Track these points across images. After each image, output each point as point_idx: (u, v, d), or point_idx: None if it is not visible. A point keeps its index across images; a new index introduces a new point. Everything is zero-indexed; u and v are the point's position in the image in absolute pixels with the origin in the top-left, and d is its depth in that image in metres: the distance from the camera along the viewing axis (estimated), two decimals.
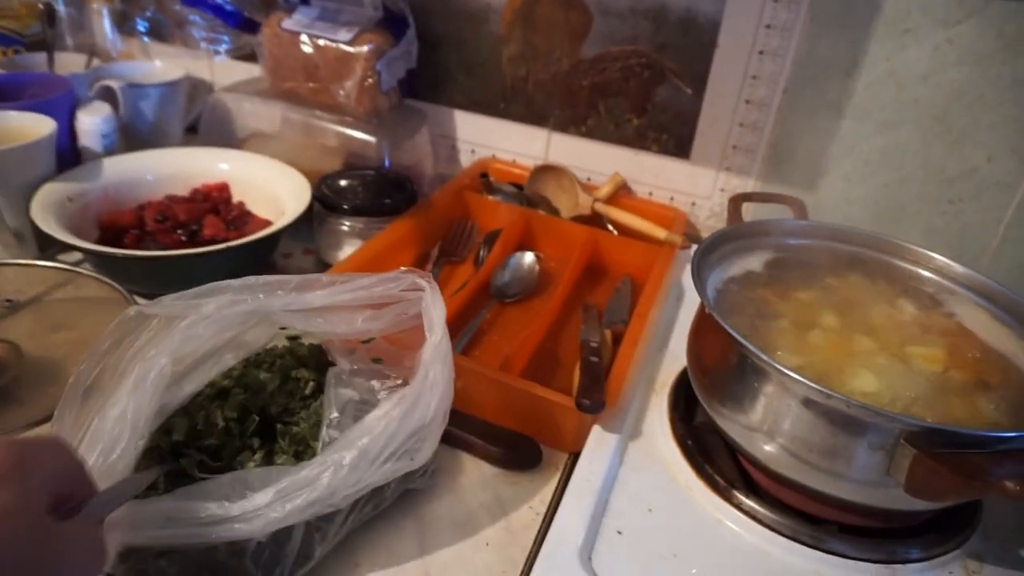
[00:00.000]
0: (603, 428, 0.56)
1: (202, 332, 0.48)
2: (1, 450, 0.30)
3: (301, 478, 0.41)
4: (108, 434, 0.41)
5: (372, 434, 0.43)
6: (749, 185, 0.87)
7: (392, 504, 0.51)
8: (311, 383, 0.53)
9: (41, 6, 0.91)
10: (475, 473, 0.56)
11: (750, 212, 0.68)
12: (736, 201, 0.64)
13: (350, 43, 0.81)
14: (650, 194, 0.92)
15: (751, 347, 0.46)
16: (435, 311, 0.48)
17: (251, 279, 0.48)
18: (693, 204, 0.91)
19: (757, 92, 0.81)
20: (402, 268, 0.49)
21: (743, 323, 0.52)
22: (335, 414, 0.48)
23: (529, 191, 0.91)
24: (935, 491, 0.41)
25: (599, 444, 0.55)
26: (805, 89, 0.79)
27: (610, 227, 0.88)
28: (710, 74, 0.82)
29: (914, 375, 0.49)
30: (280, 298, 0.48)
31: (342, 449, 0.42)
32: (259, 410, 0.50)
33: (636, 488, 0.53)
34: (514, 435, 0.57)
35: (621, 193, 0.91)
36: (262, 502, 0.40)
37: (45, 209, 0.70)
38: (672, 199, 0.91)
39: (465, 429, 0.57)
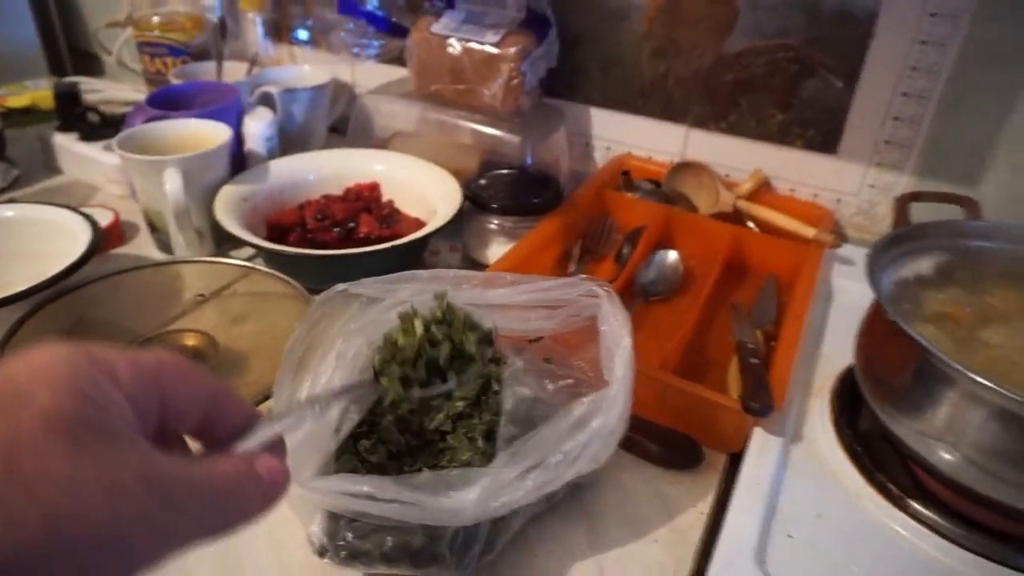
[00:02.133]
0: (766, 431, 0.56)
1: (395, 317, 0.51)
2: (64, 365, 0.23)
3: (507, 478, 0.43)
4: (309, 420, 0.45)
5: (574, 439, 0.45)
6: (902, 181, 0.83)
7: (564, 498, 0.53)
8: (487, 380, 0.55)
9: (215, 19, 0.98)
10: (637, 471, 0.57)
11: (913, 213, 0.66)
12: (903, 201, 0.63)
13: (497, 45, 0.83)
14: (792, 191, 0.90)
15: (938, 352, 0.45)
16: (616, 320, 0.49)
17: (440, 271, 0.51)
18: (838, 201, 0.88)
19: (916, 84, 0.78)
20: (581, 276, 0.51)
21: (919, 327, 0.51)
22: (512, 409, 0.50)
23: (667, 188, 0.91)
24: None
25: (763, 447, 0.55)
26: (971, 78, 0.75)
27: (751, 225, 0.87)
28: (864, 66, 0.79)
29: None
30: (466, 291, 0.51)
31: (543, 450, 0.44)
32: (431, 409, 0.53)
33: (803, 493, 0.53)
34: (674, 433, 0.58)
35: (762, 190, 0.90)
36: (467, 499, 0.43)
37: (226, 210, 0.76)
38: (816, 196, 0.89)
39: (631, 428, 0.58)
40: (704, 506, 0.54)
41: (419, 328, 0.51)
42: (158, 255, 0.82)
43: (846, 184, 0.87)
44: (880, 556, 0.48)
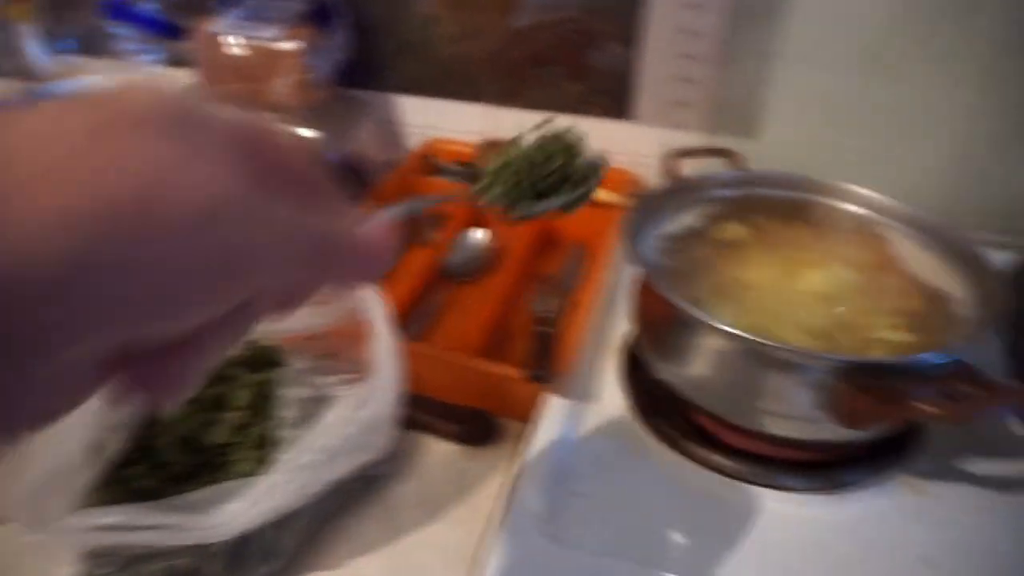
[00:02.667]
0: (557, 395, 0.57)
1: None
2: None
3: (270, 483, 0.42)
4: (51, 454, 0.42)
5: (333, 434, 0.44)
6: (694, 139, 0.87)
7: (358, 492, 0.52)
8: (264, 385, 0.54)
9: None
10: (436, 453, 0.57)
11: (691, 168, 0.68)
12: (669, 159, 0.65)
13: (279, 39, 0.81)
14: None
15: (683, 304, 0.47)
16: (376, 308, 0.49)
17: None
18: (640, 165, 0.91)
19: (694, 46, 0.81)
20: None
21: (679, 279, 0.53)
22: (290, 413, 0.49)
23: (477, 168, 0.91)
24: (864, 420, 0.42)
25: (553, 411, 0.56)
26: (741, 37, 0.79)
27: None
28: (645, 33, 0.82)
29: (841, 309, 0.51)
30: None
31: (302, 453, 0.43)
32: (211, 423, 0.51)
33: (593, 450, 0.54)
34: (469, 411, 0.58)
35: None
36: (230, 512, 0.41)
37: None
38: (619, 162, 0.92)
39: (423, 411, 0.58)
40: (502, 478, 0.55)
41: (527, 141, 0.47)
42: None
43: (644, 147, 0.89)
44: (661, 499, 0.50)
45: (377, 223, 0.26)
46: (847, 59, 0.77)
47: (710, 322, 0.46)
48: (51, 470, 0.43)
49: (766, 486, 0.51)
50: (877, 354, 0.47)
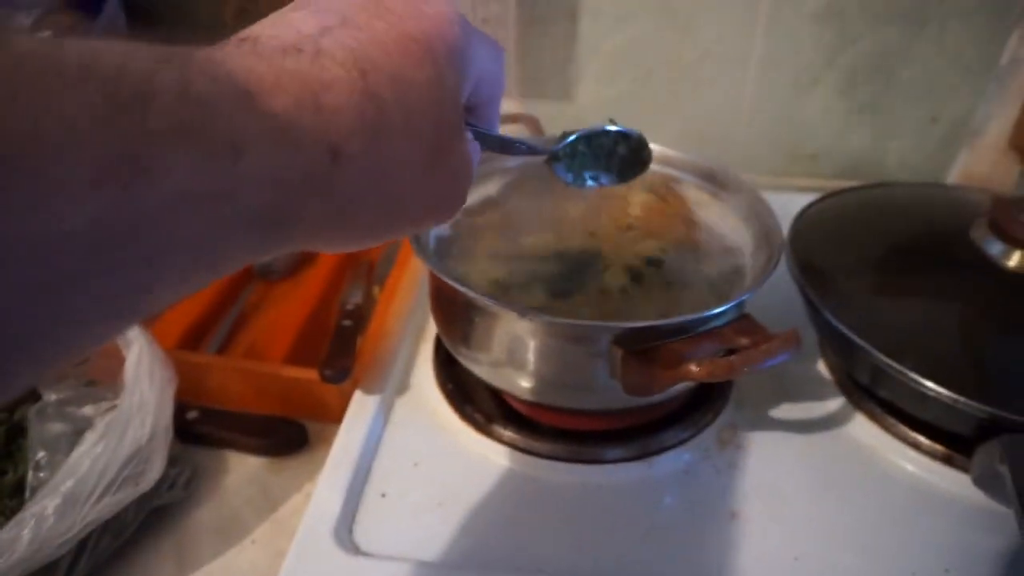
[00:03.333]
0: (364, 391, 0.54)
1: None
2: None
3: (9, 540, 0.37)
4: None
5: (77, 474, 0.39)
6: (510, 106, 0.85)
7: (141, 527, 0.48)
8: (16, 423, 0.48)
9: None
10: (240, 470, 0.53)
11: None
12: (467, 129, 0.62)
13: (32, 28, 0.72)
14: None
15: (454, 283, 0.44)
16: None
17: None
18: None
19: (490, 9, 0.78)
20: None
21: (465, 254, 0.51)
22: (42, 454, 0.44)
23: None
24: (643, 386, 0.41)
25: (360, 409, 0.53)
26: None
27: None
28: None
29: (624, 267, 0.50)
30: None
31: (44, 498, 0.39)
32: None
33: (402, 445, 0.52)
34: (275, 420, 0.54)
35: None
36: None
37: None
38: None
39: (223, 426, 0.54)
40: (311, 487, 0.52)
41: None
42: None
43: None
44: (470, 487, 0.48)
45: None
46: (644, 12, 0.77)
47: (479, 300, 0.43)
48: None
49: (583, 461, 0.50)
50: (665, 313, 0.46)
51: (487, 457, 0.51)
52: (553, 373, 0.46)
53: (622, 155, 0.45)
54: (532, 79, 0.83)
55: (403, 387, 0.56)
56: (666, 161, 0.57)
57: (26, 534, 0.37)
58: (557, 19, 0.78)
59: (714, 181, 0.57)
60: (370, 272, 0.69)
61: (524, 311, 0.42)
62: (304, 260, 0.74)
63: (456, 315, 0.49)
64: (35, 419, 0.45)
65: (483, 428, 0.52)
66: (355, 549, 0.44)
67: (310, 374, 0.52)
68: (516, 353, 0.46)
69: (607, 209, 0.55)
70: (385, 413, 0.54)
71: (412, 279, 0.65)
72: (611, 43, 0.80)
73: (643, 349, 0.41)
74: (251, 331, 0.65)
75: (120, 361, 0.50)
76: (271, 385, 0.55)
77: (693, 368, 0.39)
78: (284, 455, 0.54)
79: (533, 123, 0.64)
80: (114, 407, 0.47)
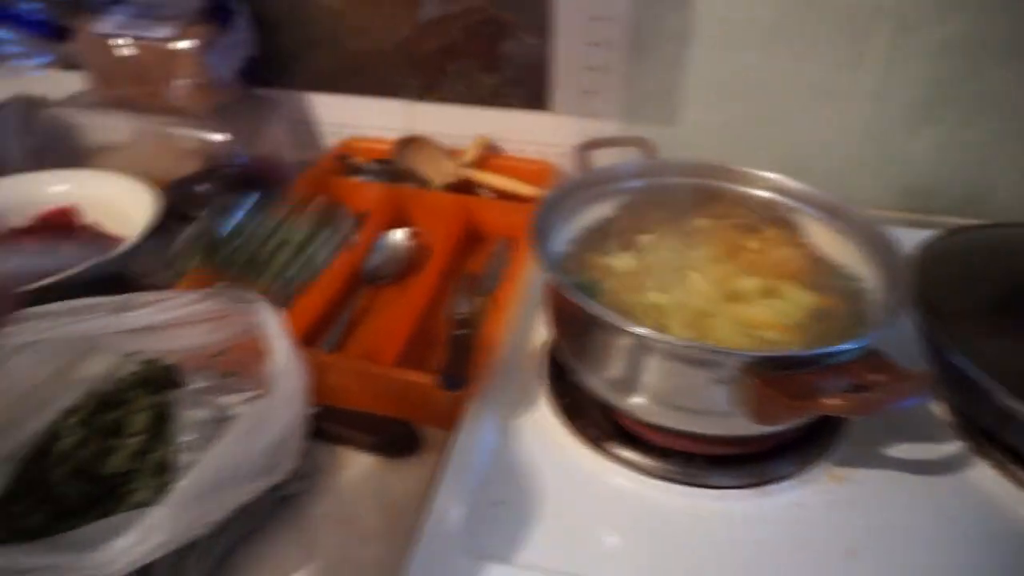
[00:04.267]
0: (478, 400, 0.56)
1: (23, 363, 0.45)
2: None
3: (161, 515, 0.39)
4: None
5: (227, 458, 0.41)
6: (611, 128, 0.86)
7: (271, 514, 0.50)
8: (162, 407, 0.51)
9: None
10: (357, 467, 0.55)
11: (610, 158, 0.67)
12: (581, 150, 0.64)
13: (172, 39, 0.76)
14: (521, 151, 0.91)
15: (582, 300, 0.45)
16: (272, 324, 0.46)
17: (55, 305, 0.46)
18: (563, 155, 0.90)
19: (602, 33, 0.80)
20: (222, 284, 0.47)
21: (587, 275, 0.52)
22: (186, 437, 0.46)
23: (398, 165, 0.88)
24: (773, 415, 0.42)
25: (475, 417, 0.55)
26: (649, 23, 0.79)
27: (484, 191, 0.87)
28: (553, 21, 0.80)
29: (752, 299, 0.50)
30: (99, 319, 0.46)
31: (200, 477, 0.41)
32: (109, 451, 0.48)
33: (516, 456, 0.53)
34: (389, 421, 0.56)
35: (490, 154, 0.90)
36: (119, 549, 0.38)
37: None
38: (541, 153, 0.90)
39: (342, 423, 0.56)
40: (425, 489, 0.53)
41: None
42: None
43: (563, 138, 0.88)
44: (587, 504, 0.49)
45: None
46: (755, 39, 0.77)
47: (608, 318, 0.45)
48: None
49: (693, 484, 0.50)
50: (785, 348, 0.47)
51: (599, 474, 0.51)
52: (673, 395, 0.47)
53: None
54: (638, 103, 0.84)
55: (514, 399, 0.58)
56: (784, 191, 0.58)
57: (186, 509, 0.39)
58: (667, 45, 0.79)
59: (832, 212, 0.57)
60: (474, 284, 0.71)
61: (658, 333, 0.43)
62: (410, 267, 0.76)
63: (577, 331, 0.50)
64: (180, 404, 0.48)
65: (596, 445, 0.53)
66: (476, 553, 0.46)
67: (428, 379, 0.54)
68: (637, 373, 0.47)
69: (724, 237, 0.56)
70: (498, 423, 0.55)
71: (520, 293, 0.66)
72: (720, 71, 0.80)
73: (773, 378, 0.42)
74: (361, 334, 0.68)
75: (254, 356, 0.53)
76: (387, 387, 0.57)
77: (830, 401, 0.39)
78: (398, 456, 0.56)
79: (650, 146, 0.65)
80: (251, 397, 0.50)
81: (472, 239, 0.81)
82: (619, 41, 0.80)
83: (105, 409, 0.51)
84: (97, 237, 0.79)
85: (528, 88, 0.86)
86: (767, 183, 0.59)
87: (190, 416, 0.48)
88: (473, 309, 0.65)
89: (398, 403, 0.57)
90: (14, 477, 0.47)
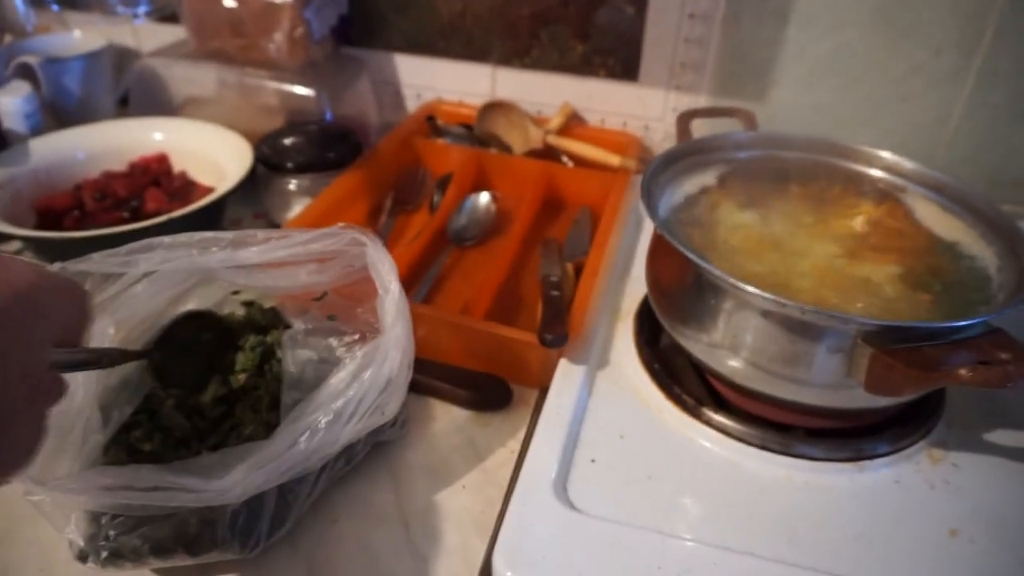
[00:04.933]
0: (570, 361, 0.56)
1: (141, 291, 0.47)
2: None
3: (277, 446, 0.40)
4: (59, 414, 0.41)
5: (345, 395, 0.42)
6: (700, 102, 0.85)
7: (365, 458, 0.51)
8: (268, 347, 0.52)
9: None
10: (446, 418, 0.56)
11: (701, 129, 0.66)
12: (684, 119, 0.63)
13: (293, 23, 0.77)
14: (603, 121, 0.91)
15: (702, 263, 0.45)
16: (383, 266, 0.46)
17: (183, 236, 0.47)
18: (647, 128, 0.89)
19: (700, 5, 0.79)
20: (340, 224, 0.48)
21: (697, 240, 0.52)
22: (295, 375, 0.47)
23: (479, 130, 0.88)
24: (894, 386, 0.41)
25: (567, 377, 0.55)
26: None
27: (565, 159, 0.86)
28: None
29: (866, 273, 0.50)
30: (215, 254, 0.47)
31: (315, 412, 0.42)
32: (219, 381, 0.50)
33: (607, 416, 0.53)
34: (482, 376, 0.57)
35: (573, 123, 0.90)
36: (237, 476, 0.39)
37: None
38: (625, 124, 0.90)
39: (433, 376, 0.57)
40: (515, 444, 0.54)
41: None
42: None
43: (651, 110, 0.88)
44: (679, 467, 0.49)
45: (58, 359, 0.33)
46: (858, 16, 0.75)
47: (730, 280, 0.44)
48: (58, 429, 0.41)
49: (788, 454, 0.49)
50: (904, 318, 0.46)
51: (693, 439, 0.51)
52: (781, 362, 0.46)
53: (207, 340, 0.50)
54: (728, 79, 0.83)
55: (603, 361, 0.58)
56: (897, 170, 0.56)
57: (303, 442, 0.40)
58: (767, 20, 0.78)
59: (946, 194, 0.55)
60: (560, 250, 0.71)
61: (781, 296, 0.42)
62: (493, 230, 0.76)
63: (684, 292, 0.50)
64: (288, 343, 0.49)
65: (692, 410, 0.52)
66: (571, 505, 0.46)
67: (525, 335, 0.55)
68: (745, 337, 0.47)
69: (834, 211, 0.55)
70: (589, 384, 0.55)
71: (608, 260, 0.66)
72: (817, 49, 0.78)
73: (893, 350, 0.41)
74: (448, 292, 0.68)
75: (355, 300, 0.54)
76: (480, 342, 0.57)
77: (963, 372, 0.38)
78: (490, 410, 0.56)
79: (750, 118, 0.64)
80: (352, 341, 0.51)
81: (551, 206, 0.81)
82: (717, 14, 0.79)
83: (211, 347, 0.52)
84: (188, 185, 0.80)
85: (618, 58, 0.85)
86: (880, 162, 0.57)
87: (295, 356, 0.49)
88: (560, 272, 0.64)
89: (489, 359, 0.58)
90: (134, 406, 0.48)
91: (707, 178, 0.59)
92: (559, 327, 0.54)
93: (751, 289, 0.43)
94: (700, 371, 0.55)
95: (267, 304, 0.56)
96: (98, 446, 0.45)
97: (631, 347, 0.59)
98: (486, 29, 0.87)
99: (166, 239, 0.46)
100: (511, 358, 0.57)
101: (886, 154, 0.57)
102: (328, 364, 0.48)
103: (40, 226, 0.73)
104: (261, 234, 0.48)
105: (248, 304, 0.56)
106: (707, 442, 0.51)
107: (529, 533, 0.44)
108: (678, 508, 0.47)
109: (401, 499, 0.50)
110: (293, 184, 0.75)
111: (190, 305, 0.51)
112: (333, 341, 0.51)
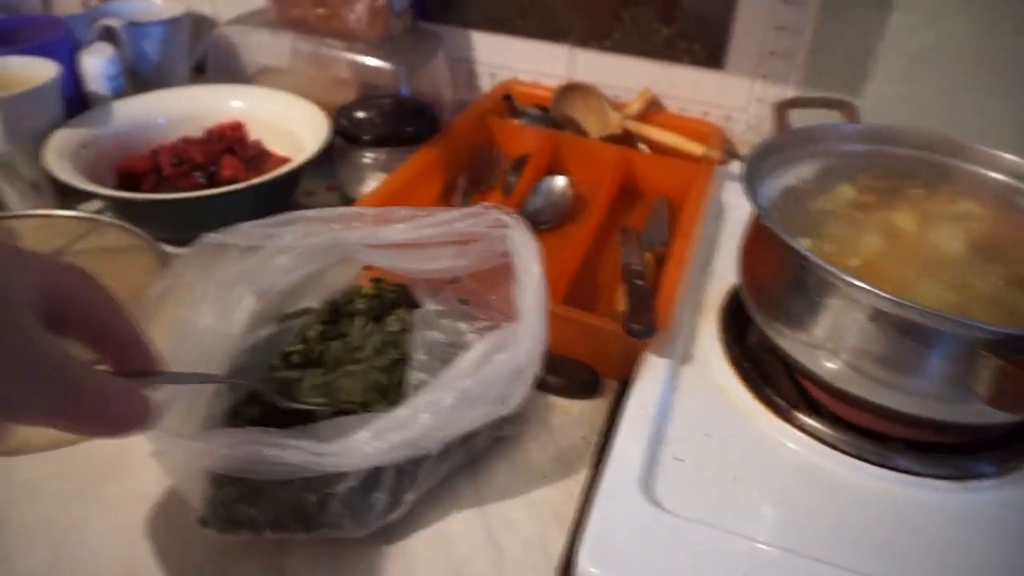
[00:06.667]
0: (654, 353, 0.54)
1: (282, 264, 0.46)
2: None
3: (399, 417, 0.40)
4: (190, 360, 0.41)
5: (473, 376, 0.41)
6: (788, 92, 0.82)
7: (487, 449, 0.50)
8: (396, 325, 0.51)
9: None
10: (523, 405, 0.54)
11: (795, 120, 0.63)
12: (782, 108, 0.60)
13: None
14: (682, 109, 0.88)
15: (815, 258, 0.43)
16: (525, 249, 0.45)
17: (327, 211, 0.46)
18: (728, 118, 0.86)
19: None
20: (485, 204, 0.47)
21: (796, 232, 0.49)
22: (422, 356, 0.46)
23: (555, 113, 0.86)
24: (1015, 400, 0.38)
25: (651, 370, 0.53)
26: None
27: (641, 146, 0.84)
28: None
29: (984, 280, 0.46)
30: (357, 231, 0.46)
31: (441, 390, 0.40)
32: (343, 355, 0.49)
33: (692, 414, 0.51)
34: (570, 362, 0.55)
35: (652, 110, 0.87)
36: (358, 440, 0.39)
37: (60, 157, 0.67)
38: (706, 113, 0.87)
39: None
40: (592, 435, 0.52)
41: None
42: None
43: (734, 100, 0.84)
44: (767, 471, 0.47)
45: (134, 387, 0.31)
46: (967, 9, 0.71)
47: (843, 276, 0.42)
48: (190, 385, 0.41)
49: (887, 467, 0.47)
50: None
51: (783, 442, 0.49)
52: (890, 367, 0.44)
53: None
54: (820, 69, 0.79)
55: (687, 357, 0.56)
56: (1020, 174, 0.53)
57: (425, 417, 0.39)
58: (867, 7, 0.74)
59: None
60: (639, 239, 0.69)
61: (909, 302, 0.40)
62: (569, 215, 0.75)
63: (785, 287, 0.48)
64: (419, 324, 0.48)
65: (783, 413, 0.50)
66: (657, 504, 0.44)
67: (609, 324, 0.53)
68: (850, 338, 0.45)
69: (948, 212, 0.52)
70: (673, 379, 0.53)
71: (691, 252, 0.64)
72: (919, 40, 0.74)
73: (1021, 360, 0.38)
74: None
75: (488, 287, 0.52)
76: (559, 329, 0.55)
77: None
78: (580, 397, 0.55)
79: (851, 111, 0.61)
80: (484, 327, 0.49)
81: (626, 192, 0.79)
82: (814, 0, 0.75)
83: (339, 320, 0.52)
84: (262, 154, 0.80)
85: (704, 44, 0.82)
86: (1002, 164, 0.54)
87: (424, 336, 0.47)
88: (641, 261, 0.62)
89: (574, 346, 0.56)
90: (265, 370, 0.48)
91: (806, 171, 0.56)
92: (647, 317, 0.52)
93: (867, 287, 0.40)
94: (791, 372, 0.53)
95: (395, 283, 0.55)
96: (223, 412, 0.46)
97: (716, 343, 0.56)
98: (567, 7, 0.85)
99: (309, 212, 0.46)
100: (593, 347, 0.55)
101: (1010, 156, 0.54)
102: (455, 348, 0.46)
103: (119, 187, 0.73)
104: (404, 211, 0.47)
105: (377, 280, 0.55)
106: (798, 447, 0.49)
107: (615, 530, 0.43)
108: (766, 514, 0.45)
109: (479, 486, 0.48)
110: (369, 157, 0.74)
111: (325, 281, 0.51)
112: (463, 325, 0.49)
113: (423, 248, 0.48)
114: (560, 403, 0.54)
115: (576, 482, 0.49)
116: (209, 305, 0.43)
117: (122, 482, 0.47)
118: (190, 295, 0.44)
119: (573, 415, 0.54)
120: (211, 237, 0.45)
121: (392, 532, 0.44)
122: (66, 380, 0.28)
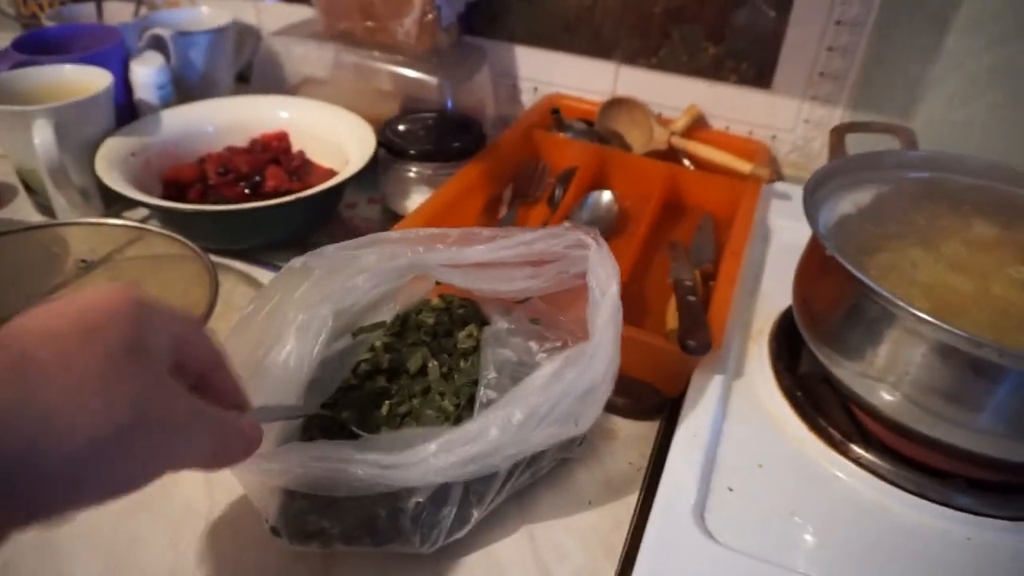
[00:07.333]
0: (705, 376, 0.53)
1: (361, 284, 0.46)
2: (128, 303, 0.28)
3: (467, 431, 0.39)
4: (273, 378, 0.42)
5: (544, 393, 0.40)
6: (836, 115, 0.80)
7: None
8: (469, 342, 0.51)
9: None
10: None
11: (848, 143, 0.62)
12: (839, 132, 0.59)
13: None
14: (727, 128, 0.87)
15: (881, 290, 0.42)
16: (604, 269, 0.45)
17: (411, 231, 0.47)
18: (773, 137, 0.85)
19: (850, 11, 0.74)
20: (566, 224, 0.47)
21: (857, 264, 0.48)
22: (493, 374, 0.46)
23: (600, 127, 0.86)
24: None
25: (702, 394, 0.52)
26: (905, 3, 0.72)
27: (685, 162, 0.83)
28: None
29: None
30: (440, 252, 0.46)
31: (510, 406, 0.40)
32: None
33: (743, 442, 0.50)
34: (633, 381, 0.54)
35: (697, 127, 0.86)
36: (425, 452, 0.39)
37: (110, 165, 0.68)
38: (751, 133, 0.86)
39: None
40: (640, 460, 0.51)
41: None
42: (38, 219, 0.74)
43: (781, 120, 0.83)
44: (822, 505, 0.46)
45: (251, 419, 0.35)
46: None
47: (908, 308, 0.40)
48: (266, 400, 0.41)
49: (942, 504, 0.45)
50: None
51: (838, 476, 0.48)
52: (953, 405, 0.43)
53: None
54: (870, 91, 0.78)
55: (737, 381, 0.55)
56: None
57: (494, 431, 0.39)
58: (924, 29, 0.73)
59: None
60: (686, 253, 0.68)
61: (984, 340, 0.38)
62: (615, 230, 0.74)
63: (844, 314, 0.46)
64: (491, 341, 0.48)
65: (838, 445, 0.49)
66: (709, 535, 0.43)
67: (662, 341, 0.52)
68: (912, 370, 0.43)
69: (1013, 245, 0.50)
70: (724, 405, 0.52)
71: (740, 272, 0.63)
72: (978, 62, 0.73)
73: None
74: None
75: (559, 307, 0.52)
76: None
77: None
78: (644, 418, 0.54)
79: (909, 136, 0.59)
80: (555, 347, 0.49)
81: (669, 209, 0.78)
82: (868, 20, 0.74)
83: (410, 334, 0.52)
84: (306, 165, 0.80)
85: (751, 63, 0.81)
86: None
87: (496, 354, 0.47)
88: (690, 277, 0.61)
89: (623, 363, 0.55)
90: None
91: (864, 198, 0.55)
92: (702, 334, 0.51)
93: (938, 323, 0.39)
94: (845, 402, 0.51)
95: (464, 300, 0.55)
96: (298, 425, 0.46)
97: (766, 370, 0.55)
98: (615, 24, 0.84)
99: (393, 234, 0.47)
100: (643, 364, 0.54)
101: None
102: (526, 367, 0.46)
103: (165, 196, 0.73)
104: (486, 232, 0.47)
105: (446, 296, 0.55)
106: (853, 481, 0.47)
107: (667, 561, 0.42)
108: (821, 550, 0.44)
109: (524, 509, 0.48)
110: (414, 172, 0.74)
111: (399, 296, 0.52)
112: (533, 344, 0.49)
113: (499, 268, 0.47)
114: (604, 426, 0.53)
115: (624, 508, 0.48)
116: (294, 329, 0.44)
117: (172, 499, 0.47)
118: (279, 320, 0.44)
119: (620, 439, 0.53)
120: (296, 261, 0.46)
121: (441, 551, 0.44)
122: (219, 429, 0.31)
